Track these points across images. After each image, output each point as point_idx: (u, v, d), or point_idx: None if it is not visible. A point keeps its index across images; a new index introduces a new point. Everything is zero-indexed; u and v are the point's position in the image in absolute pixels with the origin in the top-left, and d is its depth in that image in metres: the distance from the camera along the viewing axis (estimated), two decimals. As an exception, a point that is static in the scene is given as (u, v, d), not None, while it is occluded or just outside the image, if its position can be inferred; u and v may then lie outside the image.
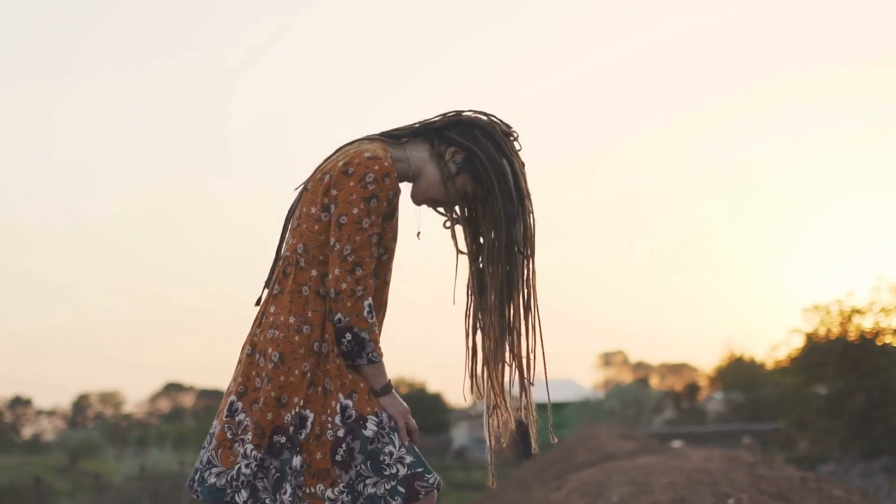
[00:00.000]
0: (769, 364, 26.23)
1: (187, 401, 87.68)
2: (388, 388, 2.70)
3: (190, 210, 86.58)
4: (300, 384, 2.64)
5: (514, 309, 2.83)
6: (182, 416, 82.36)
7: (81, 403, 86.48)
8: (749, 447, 26.99)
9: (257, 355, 2.70)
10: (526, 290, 2.84)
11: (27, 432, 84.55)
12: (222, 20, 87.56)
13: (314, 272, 2.69)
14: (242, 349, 2.76)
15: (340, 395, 2.64)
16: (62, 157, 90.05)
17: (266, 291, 2.79)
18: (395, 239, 2.75)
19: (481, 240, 2.87)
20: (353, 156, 2.69)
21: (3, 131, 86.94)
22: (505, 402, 2.86)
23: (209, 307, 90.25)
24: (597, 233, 76.57)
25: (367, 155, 2.68)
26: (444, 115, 2.87)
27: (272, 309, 2.73)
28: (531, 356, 2.84)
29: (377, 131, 2.86)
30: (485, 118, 2.87)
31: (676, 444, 24.55)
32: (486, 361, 2.85)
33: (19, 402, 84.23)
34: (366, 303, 2.62)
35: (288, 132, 79.13)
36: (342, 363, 2.65)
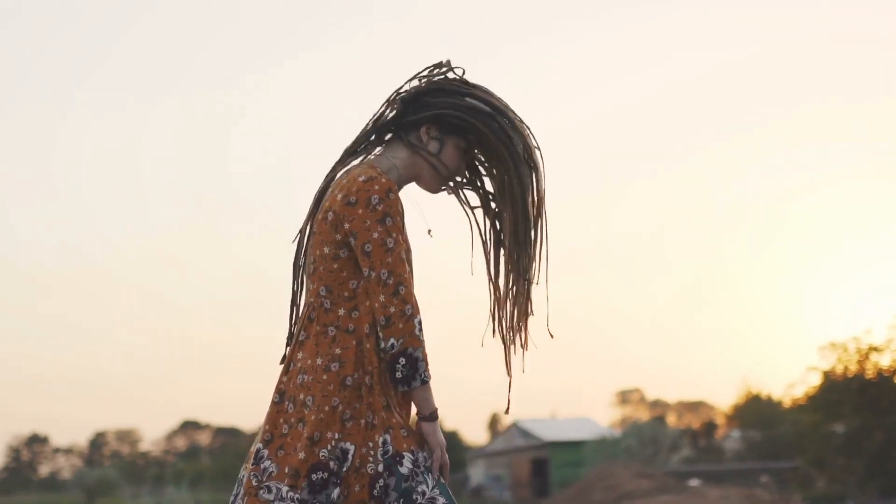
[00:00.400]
0: (787, 402, 26.08)
1: (204, 439, 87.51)
2: (435, 414, 2.69)
3: (202, 249, 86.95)
4: (332, 419, 2.63)
5: (524, 222, 2.81)
6: (198, 454, 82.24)
7: (98, 441, 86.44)
8: (767, 486, 26.83)
9: (286, 402, 2.71)
10: (536, 197, 2.82)
11: (44, 470, 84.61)
12: (224, 62, 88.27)
13: (341, 311, 2.69)
14: (272, 398, 2.76)
15: (381, 430, 2.65)
16: (71, 197, 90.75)
17: (289, 348, 2.79)
18: (409, 250, 2.74)
19: (489, 187, 2.88)
20: (348, 185, 2.67)
21: (11, 169, 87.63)
22: (513, 335, 2.84)
23: (225, 345, 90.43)
24: (613, 269, 76.55)
25: (361, 179, 2.66)
26: (389, 102, 2.85)
27: (299, 355, 2.73)
28: (538, 260, 2.82)
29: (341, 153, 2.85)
30: (419, 82, 2.85)
31: (694, 482, 24.44)
32: (503, 295, 2.84)
33: (36, 440, 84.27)
34: (416, 320, 2.61)
35: (293, 170, 79.50)
36: (379, 399, 2.66)
